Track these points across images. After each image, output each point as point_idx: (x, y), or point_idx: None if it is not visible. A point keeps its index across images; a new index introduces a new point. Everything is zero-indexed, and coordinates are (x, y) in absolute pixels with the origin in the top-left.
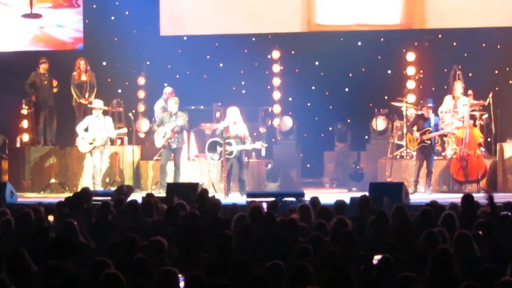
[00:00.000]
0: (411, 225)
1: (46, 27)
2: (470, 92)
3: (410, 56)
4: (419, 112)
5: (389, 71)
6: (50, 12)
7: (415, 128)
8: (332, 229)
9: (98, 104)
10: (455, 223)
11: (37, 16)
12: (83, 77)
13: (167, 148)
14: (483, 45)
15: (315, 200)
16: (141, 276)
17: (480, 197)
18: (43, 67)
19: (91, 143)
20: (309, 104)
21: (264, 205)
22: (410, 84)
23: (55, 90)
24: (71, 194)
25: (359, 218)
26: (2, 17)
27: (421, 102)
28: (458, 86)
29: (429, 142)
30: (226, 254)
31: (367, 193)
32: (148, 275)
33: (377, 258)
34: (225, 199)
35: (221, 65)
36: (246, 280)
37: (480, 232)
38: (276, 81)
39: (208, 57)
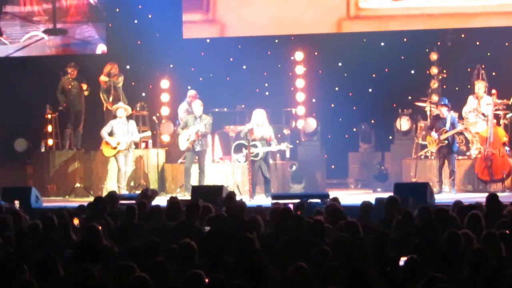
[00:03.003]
0: (436, 225)
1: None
2: (493, 91)
3: (433, 56)
4: (436, 113)
5: (412, 71)
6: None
7: (433, 130)
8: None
9: (120, 105)
10: (481, 223)
11: (61, 32)
12: (112, 82)
13: (191, 150)
14: (506, 44)
15: (334, 200)
16: (158, 279)
17: (505, 196)
18: (70, 72)
19: (115, 147)
20: (332, 105)
21: (291, 207)
22: (434, 84)
23: (86, 93)
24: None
25: (387, 219)
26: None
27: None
28: (480, 85)
29: (446, 141)
30: (247, 256)
31: (392, 194)
32: (165, 279)
33: (403, 259)
34: (250, 201)
35: (244, 67)
36: (265, 283)
37: (507, 231)
38: (300, 83)
39: (231, 59)
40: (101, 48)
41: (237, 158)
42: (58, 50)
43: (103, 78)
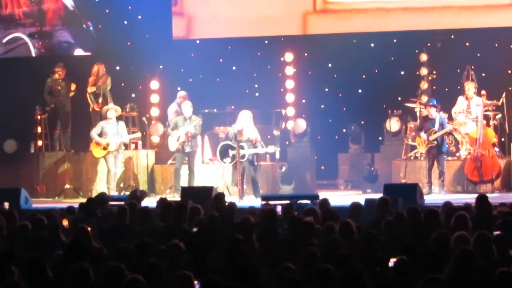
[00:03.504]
0: (425, 226)
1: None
2: (483, 92)
3: (423, 57)
4: (424, 114)
5: (402, 72)
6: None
7: (422, 131)
8: (339, 231)
9: (110, 106)
10: (467, 224)
11: (46, 35)
12: (99, 83)
13: (181, 152)
14: (496, 45)
15: (324, 201)
16: (152, 280)
17: (495, 197)
18: (58, 73)
19: (105, 148)
20: (322, 106)
21: (279, 208)
22: (423, 85)
23: (71, 94)
24: (85, 200)
25: (378, 220)
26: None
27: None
28: (470, 86)
29: (436, 142)
30: (237, 257)
31: (381, 195)
32: (159, 279)
33: (393, 260)
34: (239, 202)
35: (234, 68)
36: (255, 284)
37: (498, 232)
38: (289, 84)
39: (221, 60)
40: (78, 53)
41: (224, 160)
42: (41, 52)
43: (92, 79)
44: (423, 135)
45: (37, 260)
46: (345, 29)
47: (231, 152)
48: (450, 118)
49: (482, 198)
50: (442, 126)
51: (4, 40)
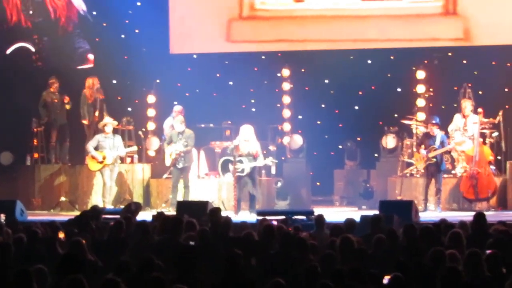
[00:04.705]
0: (420, 244)
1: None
2: (480, 110)
3: (420, 74)
4: (426, 131)
5: (398, 89)
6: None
7: (422, 146)
8: (339, 247)
9: (108, 121)
10: (462, 241)
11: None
12: (93, 96)
13: (175, 167)
14: (493, 63)
15: (319, 218)
16: None
17: (490, 215)
18: (53, 86)
19: (101, 162)
20: (318, 122)
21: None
22: (420, 102)
23: (67, 107)
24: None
25: (371, 236)
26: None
27: (428, 120)
28: (467, 104)
29: (435, 159)
30: (234, 272)
31: (377, 212)
32: None
33: (387, 277)
34: (235, 217)
35: (230, 83)
36: None
37: (489, 251)
38: (286, 99)
39: (217, 75)
40: (90, 58)
41: (225, 174)
42: (45, 62)
43: (86, 91)
44: (422, 151)
45: (22, 274)
46: (271, 37)
47: (231, 167)
48: (447, 136)
49: (479, 216)
50: (442, 144)
51: (8, 51)
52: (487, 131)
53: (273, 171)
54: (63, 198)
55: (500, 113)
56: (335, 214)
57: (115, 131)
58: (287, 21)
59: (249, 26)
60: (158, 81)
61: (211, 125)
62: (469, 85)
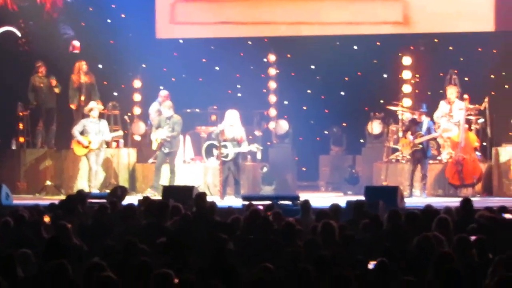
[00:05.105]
0: (405, 229)
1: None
2: (466, 96)
3: (406, 60)
4: (412, 117)
5: (385, 75)
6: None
7: (409, 132)
8: (320, 233)
9: (93, 106)
10: (449, 227)
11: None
12: (82, 80)
13: (161, 151)
14: (479, 49)
15: (305, 203)
16: (142, 279)
17: (475, 201)
18: (40, 70)
19: (87, 146)
20: (304, 108)
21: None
22: (406, 88)
23: (57, 90)
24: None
25: (354, 222)
26: None
27: (416, 107)
28: (452, 90)
29: (421, 146)
30: (220, 257)
31: (362, 197)
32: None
33: (372, 263)
34: (220, 202)
35: (217, 68)
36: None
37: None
38: (272, 85)
39: (204, 60)
40: (75, 45)
41: (209, 159)
42: (32, 46)
43: (75, 76)
44: (409, 136)
45: (7, 259)
46: (214, 19)
47: (215, 152)
48: (433, 122)
49: (466, 202)
50: (429, 131)
51: None
52: (472, 118)
53: (258, 156)
54: (48, 182)
55: (486, 99)
56: (320, 199)
57: (101, 115)
58: (269, 3)
59: (238, 7)
60: (144, 66)
61: (197, 110)
62: (455, 71)
